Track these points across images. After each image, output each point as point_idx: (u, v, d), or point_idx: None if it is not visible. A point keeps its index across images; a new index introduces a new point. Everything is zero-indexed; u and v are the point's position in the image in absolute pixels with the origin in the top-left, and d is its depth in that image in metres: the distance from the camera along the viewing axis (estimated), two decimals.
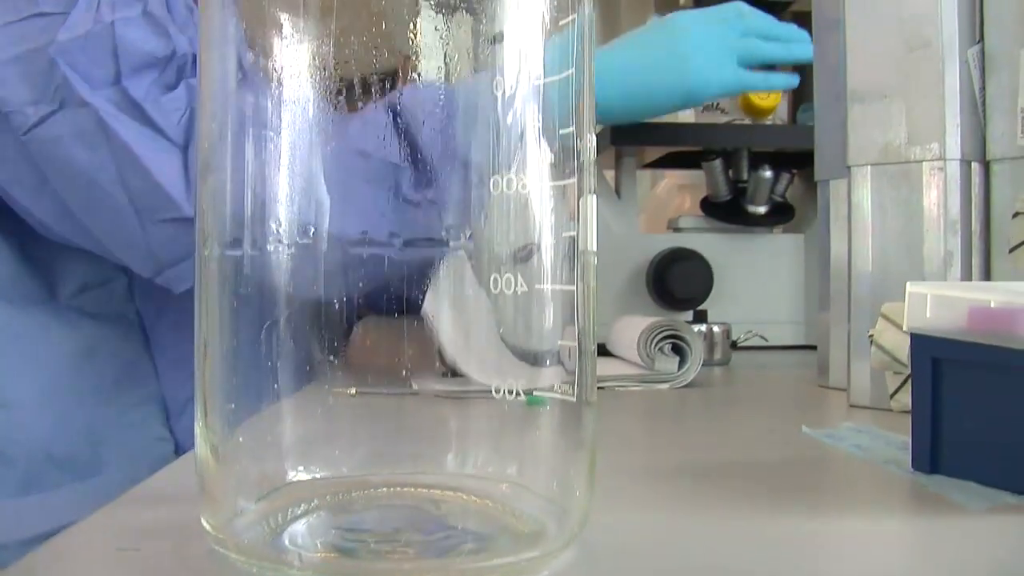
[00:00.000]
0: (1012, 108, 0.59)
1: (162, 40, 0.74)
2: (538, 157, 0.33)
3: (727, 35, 0.87)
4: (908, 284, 0.45)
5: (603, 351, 0.82)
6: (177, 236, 0.71)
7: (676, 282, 0.95)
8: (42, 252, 0.83)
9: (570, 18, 0.34)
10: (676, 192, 1.20)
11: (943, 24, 0.60)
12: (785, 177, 1.00)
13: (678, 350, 0.73)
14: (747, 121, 0.99)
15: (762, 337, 0.89)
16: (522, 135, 0.33)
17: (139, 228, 0.72)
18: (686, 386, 0.72)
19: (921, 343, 0.43)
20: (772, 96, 0.96)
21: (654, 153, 1.01)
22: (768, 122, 0.99)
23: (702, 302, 0.96)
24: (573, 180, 0.33)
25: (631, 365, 0.75)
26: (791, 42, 0.88)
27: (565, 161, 0.33)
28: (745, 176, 1.00)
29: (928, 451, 0.43)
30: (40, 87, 0.70)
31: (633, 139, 0.93)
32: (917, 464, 0.44)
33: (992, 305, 0.40)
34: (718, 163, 0.99)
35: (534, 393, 0.32)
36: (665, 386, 0.71)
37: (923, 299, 0.44)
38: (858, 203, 0.64)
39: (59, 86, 0.70)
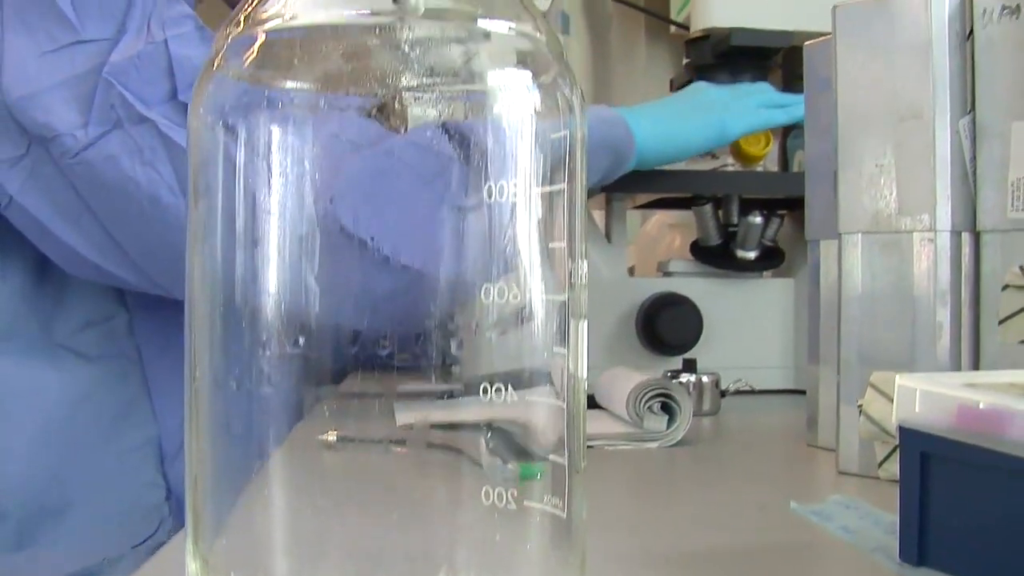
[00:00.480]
0: (1003, 180, 0.60)
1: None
2: (528, 270, 0.33)
3: (749, 98, 0.95)
4: (898, 377, 0.45)
5: (592, 402, 0.82)
6: None
7: (666, 328, 0.95)
8: (44, 292, 0.82)
9: (561, 133, 0.34)
10: (667, 230, 1.20)
11: (935, 95, 0.60)
12: (775, 221, 1.00)
13: (667, 408, 0.73)
14: (738, 167, 0.99)
15: (750, 386, 0.89)
16: (511, 247, 0.33)
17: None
18: (675, 444, 0.72)
19: (910, 437, 0.43)
20: (763, 143, 0.96)
21: (645, 196, 1.01)
22: (759, 168, 0.99)
23: (692, 347, 0.96)
24: (564, 297, 0.33)
25: (619, 421, 0.75)
26: (799, 104, 0.95)
27: (555, 279, 0.33)
28: (735, 220, 1.01)
29: (916, 543, 0.43)
30: (91, 109, 0.71)
31: (623, 186, 0.93)
32: (904, 555, 0.44)
33: (981, 406, 0.40)
34: (708, 208, 0.99)
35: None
36: (654, 445, 0.71)
37: (912, 393, 0.44)
38: (848, 270, 0.64)
39: (114, 105, 0.70)
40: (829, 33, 1.02)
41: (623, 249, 1.01)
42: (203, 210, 0.32)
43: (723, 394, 0.88)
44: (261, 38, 0.31)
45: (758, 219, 0.97)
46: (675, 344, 0.96)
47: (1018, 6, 0.59)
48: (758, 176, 0.99)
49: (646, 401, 0.73)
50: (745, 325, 1.00)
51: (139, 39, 0.73)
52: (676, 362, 0.97)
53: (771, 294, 1.01)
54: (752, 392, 0.89)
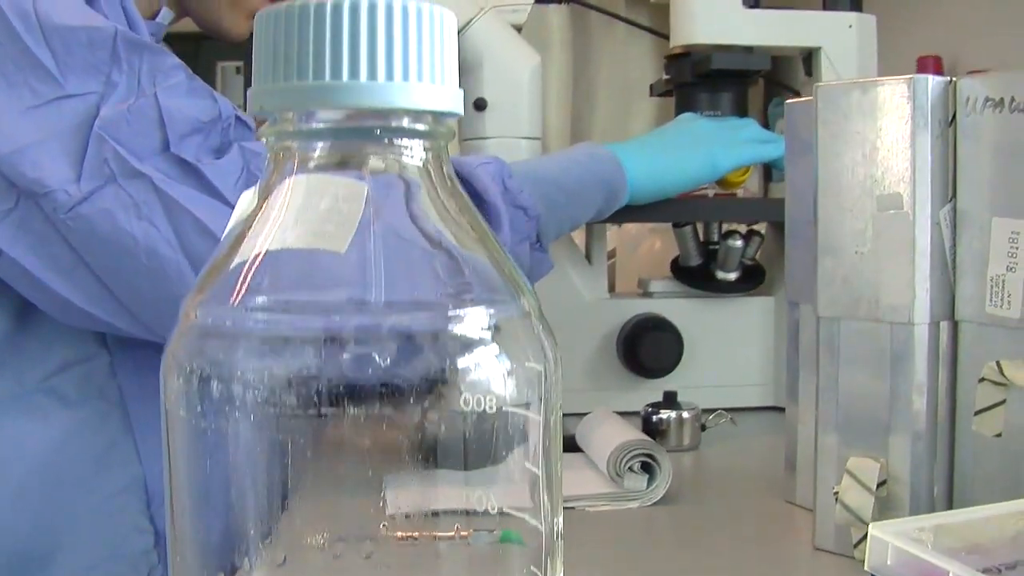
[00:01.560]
0: (982, 272, 0.60)
1: (207, 103, 0.74)
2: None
3: (738, 132, 0.96)
4: (871, 526, 0.46)
5: (571, 444, 0.83)
6: None
7: (647, 354, 0.96)
8: (21, 339, 0.82)
9: (539, 367, 0.34)
10: (647, 233, 1.20)
11: (916, 186, 0.60)
12: (756, 240, 1.00)
13: (647, 466, 0.74)
14: (718, 190, 0.99)
15: (732, 420, 0.89)
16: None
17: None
18: (655, 503, 0.73)
19: None
20: (743, 169, 0.95)
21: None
22: (739, 191, 0.99)
23: (672, 370, 0.97)
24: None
25: (599, 477, 0.76)
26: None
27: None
28: (716, 238, 1.01)
29: None
30: (83, 164, 0.70)
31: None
32: None
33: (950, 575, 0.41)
34: (688, 228, 0.99)
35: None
36: (634, 504, 0.72)
37: (884, 546, 0.45)
38: (827, 352, 0.64)
39: (107, 160, 0.70)
40: (810, 47, 1.02)
41: (603, 269, 1.01)
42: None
43: (703, 427, 0.89)
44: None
45: (738, 242, 0.97)
46: (656, 368, 0.97)
47: (1002, 100, 0.59)
48: (739, 203, 0.99)
49: (627, 461, 0.73)
50: (725, 343, 1.01)
51: (129, 92, 0.72)
52: (656, 386, 0.98)
53: (751, 313, 1.01)
54: (732, 423, 0.90)
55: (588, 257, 1.01)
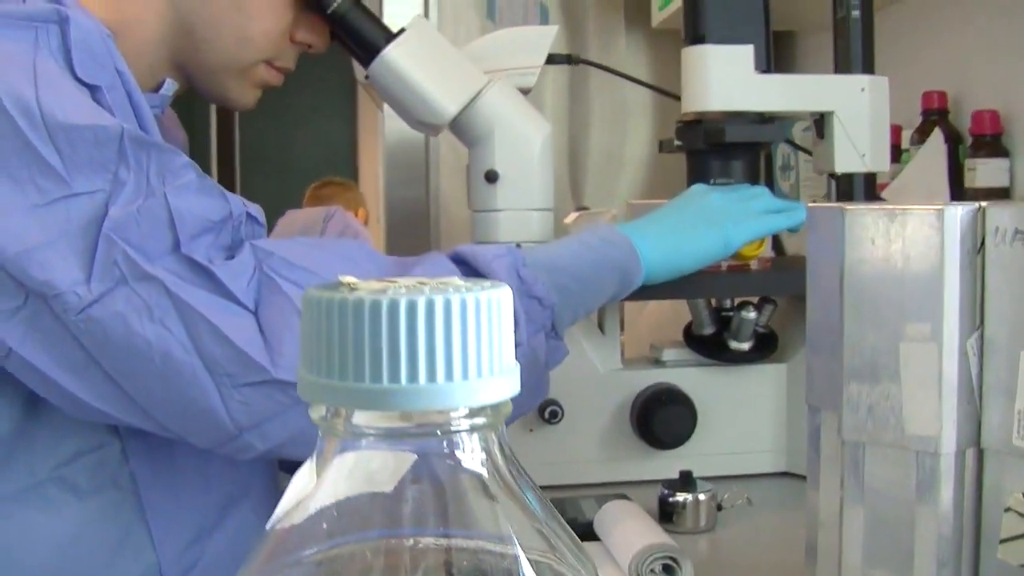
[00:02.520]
0: (1009, 404, 0.59)
1: (217, 201, 0.74)
2: None
3: (747, 194, 0.95)
4: None
5: (588, 531, 0.83)
6: (260, 398, 0.71)
7: (661, 426, 0.96)
8: (32, 432, 0.81)
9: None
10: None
11: (945, 318, 0.59)
12: (768, 308, 1.00)
13: (668, 568, 0.74)
14: (732, 262, 0.98)
15: (748, 501, 0.89)
16: None
17: (216, 395, 0.71)
18: None
19: None
20: (757, 243, 0.95)
21: None
22: (753, 264, 0.99)
23: (686, 441, 0.97)
24: None
25: (618, 570, 0.76)
26: (796, 209, 0.97)
27: None
28: (728, 305, 1.00)
29: None
30: (92, 265, 0.70)
31: None
32: None
33: None
34: (701, 299, 0.99)
35: None
36: None
37: None
38: (850, 476, 0.64)
39: (117, 262, 0.70)
40: (822, 112, 1.01)
41: (616, 340, 1.01)
42: None
43: (719, 507, 0.89)
44: None
45: (752, 314, 0.97)
46: (670, 441, 0.97)
47: None
48: (753, 277, 0.98)
49: (649, 564, 0.73)
50: (738, 410, 1.01)
51: (137, 192, 0.72)
52: (670, 456, 0.98)
53: (764, 380, 1.01)
54: (748, 503, 0.90)
55: (601, 327, 1.00)
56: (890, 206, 0.62)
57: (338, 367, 0.29)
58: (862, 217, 0.62)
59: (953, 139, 1.45)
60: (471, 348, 0.30)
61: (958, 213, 0.60)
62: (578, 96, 1.95)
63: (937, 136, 1.38)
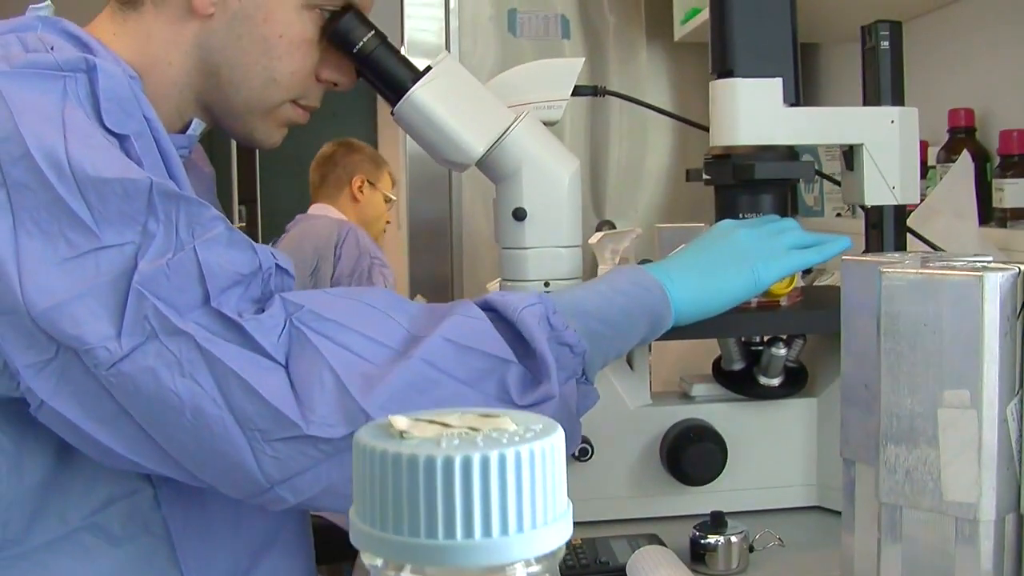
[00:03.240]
0: None
1: (246, 255, 0.74)
2: None
3: (775, 229, 0.94)
4: None
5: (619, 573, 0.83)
6: (293, 454, 0.71)
7: (691, 464, 0.96)
8: (64, 480, 0.81)
9: None
10: None
11: (984, 384, 0.59)
12: (798, 343, 1.00)
13: None
14: (762, 299, 0.98)
15: (780, 542, 0.89)
16: None
17: (247, 450, 0.72)
18: None
19: None
20: (787, 281, 0.94)
21: None
22: (783, 302, 0.98)
23: (716, 478, 0.97)
24: None
25: None
26: (826, 243, 0.95)
27: None
28: (757, 339, 1.00)
29: None
30: (123, 320, 0.70)
31: None
32: None
33: None
34: None
35: None
36: None
37: None
38: (890, 536, 0.63)
39: (147, 316, 0.70)
40: (851, 144, 1.00)
41: (645, 375, 1.00)
42: None
43: (751, 549, 0.89)
44: None
45: (782, 350, 0.97)
46: (700, 478, 0.96)
47: None
48: (783, 315, 0.97)
49: None
50: (768, 445, 1.00)
51: (167, 245, 0.72)
52: (701, 493, 0.98)
53: (794, 415, 1.01)
54: (780, 544, 0.89)
55: (630, 363, 1.00)
56: (928, 269, 0.61)
57: (392, 521, 0.29)
58: (899, 280, 0.62)
59: (980, 157, 1.44)
60: (526, 500, 0.30)
61: (998, 279, 0.59)
62: (598, 109, 1.95)
63: (965, 158, 1.37)
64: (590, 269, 1.28)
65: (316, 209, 2.77)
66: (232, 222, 3.15)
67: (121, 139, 0.77)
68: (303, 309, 0.74)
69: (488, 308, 0.80)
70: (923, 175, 1.44)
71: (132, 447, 0.74)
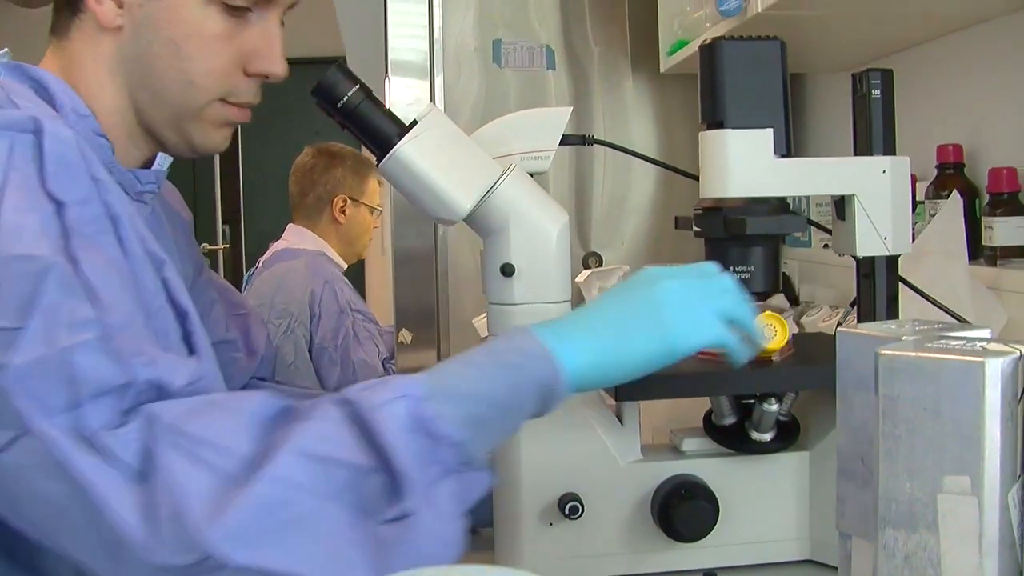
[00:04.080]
0: None
1: (122, 367, 0.70)
2: None
3: (707, 289, 0.84)
4: None
5: None
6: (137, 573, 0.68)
7: (682, 520, 0.95)
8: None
9: None
10: None
11: (985, 471, 0.58)
12: (790, 397, 0.99)
13: None
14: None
15: None
16: None
17: (101, 561, 0.69)
18: None
19: None
20: (779, 336, 0.93)
21: None
22: (775, 358, 0.97)
23: (708, 534, 0.96)
24: None
25: None
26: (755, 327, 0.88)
27: None
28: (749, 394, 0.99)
29: None
30: None
31: (631, 393, 0.92)
32: None
33: None
34: None
35: None
36: None
37: None
38: None
39: (17, 411, 0.67)
40: (844, 195, 0.99)
41: (635, 430, 0.99)
42: None
43: None
44: None
45: (774, 406, 0.96)
46: (692, 535, 0.95)
47: None
48: (776, 372, 0.96)
49: None
50: (759, 499, 0.99)
51: (42, 340, 0.69)
52: (694, 549, 0.96)
53: (787, 469, 1.00)
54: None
55: (620, 418, 0.99)
56: (928, 352, 0.60)
57: None
58: (898, 362, 0.61)
59: (969, 193, 1.43)
60: None
61: (999, 364, 0.58)
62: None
63: (955, 198, 1.36)
64: (577, 306, 1.27)
65: (292, 234, 2.60)
66: (215, 242, 3.09)
67: (60, 206, 0.75)
68: (164, 425, 0.69)
69: (344, 403, 0.73)
70: (912, 209, 1.43)
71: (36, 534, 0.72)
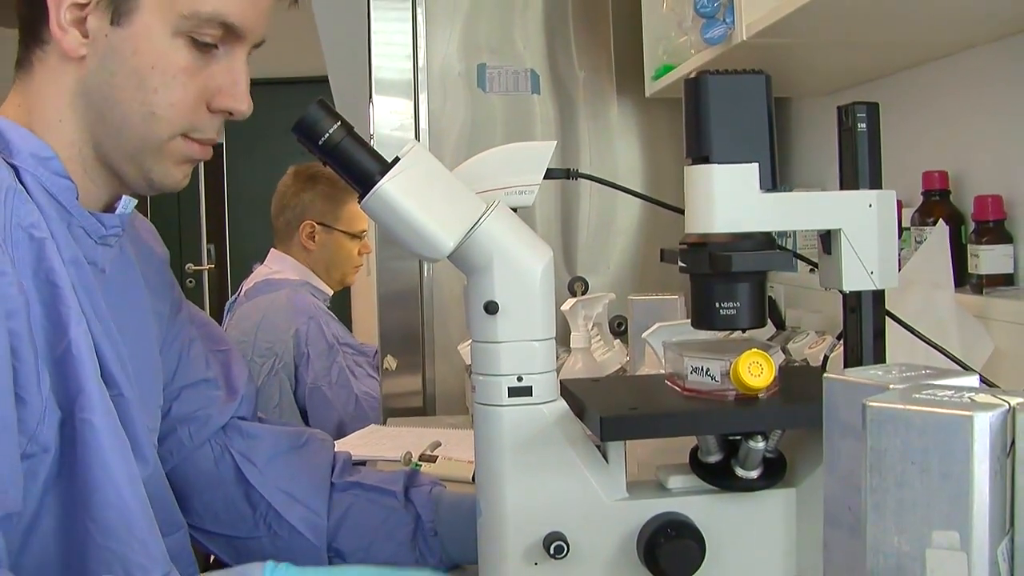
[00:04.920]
0: None
1: None
2: None
3: None
4: None
5: None
6: None
7: (668, 560, 0.93)
8: None
9: None
10: None
11: (974, 527, 0.57)
12: (776, 434, 0.98)
13: None
14: (738, 392, 0.96)
15: None
16: None
17: None
18: None
19: None
20: (766, 374, 0.92)
21: None
22: (761, 395, 0.96)
23: (694, 573, 0.95)
24: None
25: None
26: None
27: None
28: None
29: None
30: None
31: (620, 432, 0.91)
32: None
33: None
34: None
35: None
36: None
37: None
38: None
39: None
40: (829, 229, 0.98)
41: (621, 468, 0.98)
42: None
43: None
44: None
45: (760, 444, 0.94)
46: (678, 574, 0.94)
47: None
48: (762, 410, 0.95)
49: None
50: (747, 538, 0.98)
51: None
52: None
53: (774, 506, 0.98)
54: None
55: (605, 456, 0.98)
56: (916, 405, 0.59)
57: None
58: (886, 415, 0.60)
59: (955, 220, 1.43)
60: None
61: (988, 418, 0.57)
62: (570, 162, 1.93)
63: (940, 228, 1.36)
64: (562, 334, 1.26)
65: (273, 260, 2.53)
66: (200, 263, 3.06)
67: None
68: None
69: None
70: (898, 236, 1.43)
71: None
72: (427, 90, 1.86)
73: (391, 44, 1.88)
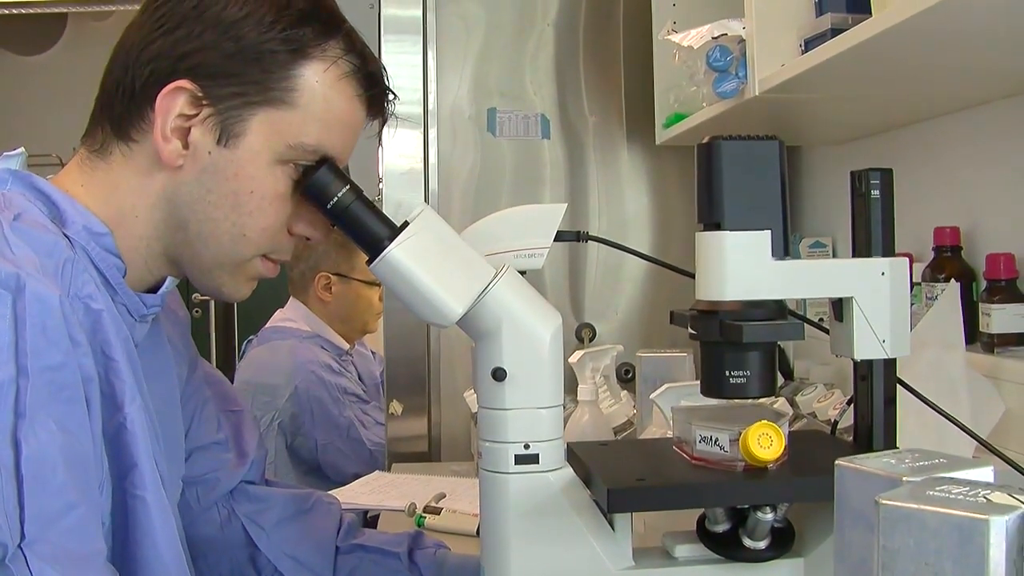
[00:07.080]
0: None
1: None
2: None
3: None
4: None
5: None
6: None
7: None
8: None
9: None
10: None
11: None
12: (784, 504, 0.96)
13: None
14: (747, 463, 0.94)
15: None
16: None
17: None
18: None
19: None
20: (776, 447, 0.91)
21: None
22: (771, 467, 0.95)
23: None
24: None
25: None
26: None
27: None
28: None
29: None
30: None
31: (628, 504, 0.90)
32: None
33: None
34: None
35: None
36: None
37: None
38: None
39: None
40: (842, 297, 0.98)
41: (627, 537, 0.97)
42: None
43: None
44: None
45: (768, 515, 0.93)
46: None
47: None
48: (772, 483, 0.94)
49: None
50: None
51: None
52: None
53: None
54: None
55: (611, 524, 0.96)
56: (930, 505, 0.58)
57: None
58: (899, 514, 0.59)
59: (966, 276, 1.42)
60: None
61: (1004, 522, 0.56)
62: (579, 207, 1.93)
63: (952, 288, 1.35)
64: (569, 385, 1.25)
65: (291, 308, 2.47)
66: (208, 316, 3.03)
67: (23, 374, 0.73)
68: None
69: None
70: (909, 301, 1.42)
71: None
72: (436, 135, 1.86)
73: (402, 89, 1.88)
